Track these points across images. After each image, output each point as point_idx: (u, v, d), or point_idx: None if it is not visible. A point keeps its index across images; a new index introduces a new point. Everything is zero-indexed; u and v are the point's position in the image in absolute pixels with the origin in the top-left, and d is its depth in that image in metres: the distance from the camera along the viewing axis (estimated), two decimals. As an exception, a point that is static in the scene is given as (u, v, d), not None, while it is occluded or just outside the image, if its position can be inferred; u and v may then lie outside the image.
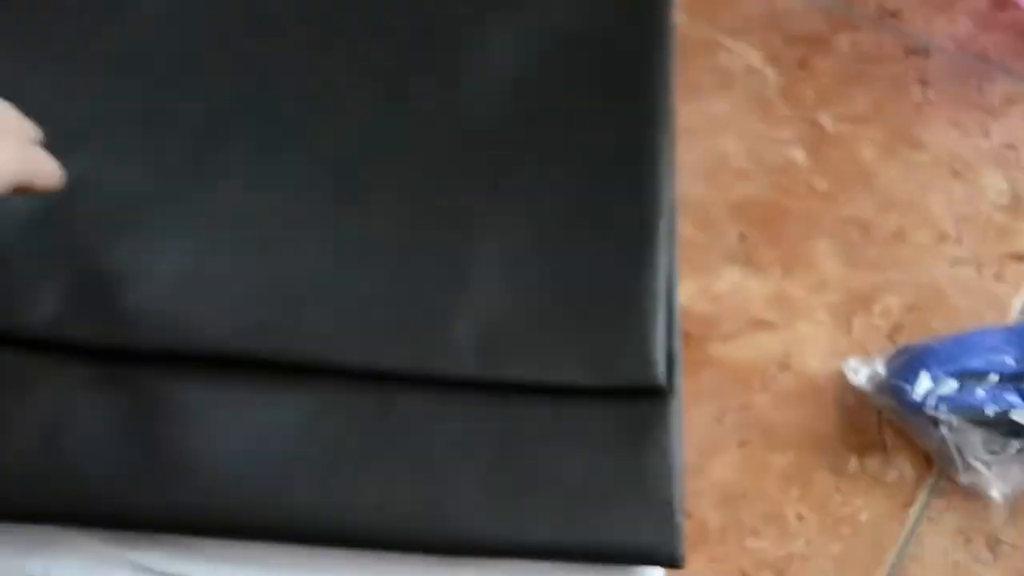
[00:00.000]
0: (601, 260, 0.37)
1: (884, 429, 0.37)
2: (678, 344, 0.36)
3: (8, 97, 0.40)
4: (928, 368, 0.35)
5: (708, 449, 0.37)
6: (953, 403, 0.35)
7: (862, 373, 0.37)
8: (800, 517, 0.36)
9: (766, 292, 0.40)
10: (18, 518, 0.34)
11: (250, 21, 0.44)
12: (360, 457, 0.34)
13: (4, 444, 0.34)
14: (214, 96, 0.42)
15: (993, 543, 0.36)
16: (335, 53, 0.43)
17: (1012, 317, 0.39)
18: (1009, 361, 0.36)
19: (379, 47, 0.44)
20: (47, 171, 0.34)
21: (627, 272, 0.37)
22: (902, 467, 0.37)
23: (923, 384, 0.35)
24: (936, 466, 0.36)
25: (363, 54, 0.43)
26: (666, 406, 0.35)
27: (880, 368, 0.37)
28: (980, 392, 0.36)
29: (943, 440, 0.36)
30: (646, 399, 0.35)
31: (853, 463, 0.36)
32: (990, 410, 0.35)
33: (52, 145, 0.36)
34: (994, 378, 0.36)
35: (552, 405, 0.35)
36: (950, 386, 0.35)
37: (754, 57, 0.46)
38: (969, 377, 0.36)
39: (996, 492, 0.36)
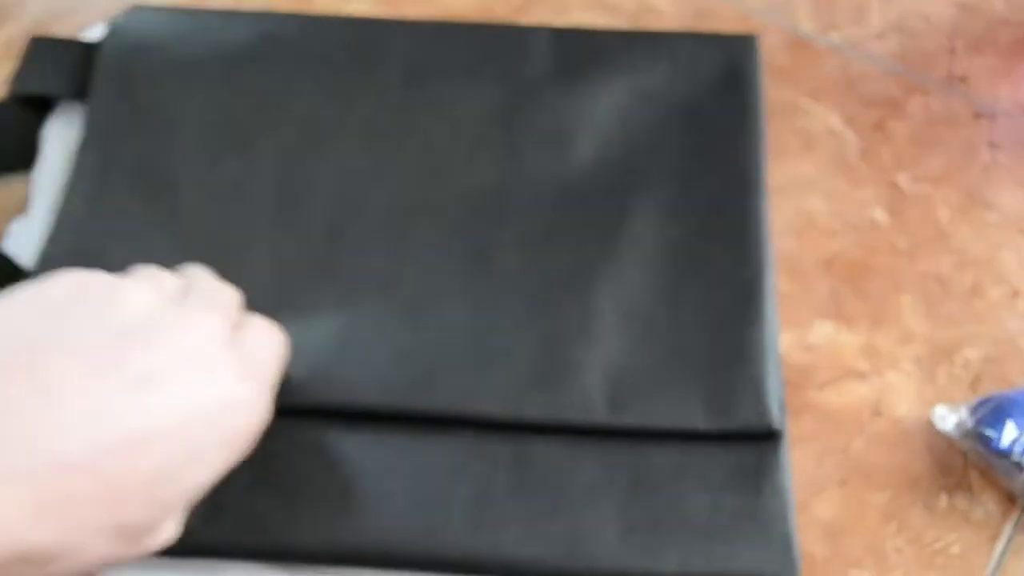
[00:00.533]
0: (713, 313, 0.41)
1: (970, 471, 0.41)
2: (783, 391, 0.40)
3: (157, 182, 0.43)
4: (1013, 418, 0.39)
5: (811, 488, 0.40)
6: (1036, 450, 0.39)
7: (949, 420, 0.41)
8: (898, 550, 0.39)
9: (857, 344, 0.44)
10: (197, 552, 0.38)
11: (371, 92, 0.48)
12: (503, 497, 0.38)
13: None
14: (344, 167, 0.46)
15: (1069, 574, 0.40)
16: (450, 125, 0.47)
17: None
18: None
19: (491, 113, 0.47)
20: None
21: (739, 324, 0.41)
22: (987, 505, 0.40)
23: (1009, 433, 0.39)
24: (1019, 504, 0.40)
25: (476, 122, 0.47)
26: (779, 448, 0.39)
27: (965, 416, 0.41)
28: (1059, 439, 0.40)
29: (1025, 482, 0.40)
30: (762, 441, 0.39)
31: (944, 501, 0.40)
32: (1069, 456, 0.39)
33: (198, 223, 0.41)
34: (1070, 426, 0.40)
35: (675, 448, 0.39)
36: (1032, 434, 0.39)
37: (834, 120, 0.50)
38: (1049, 426, 0.40)
39: (1072, 529, 0.40)
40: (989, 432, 0.39)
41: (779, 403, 0.40)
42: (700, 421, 0.39)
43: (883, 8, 0.55)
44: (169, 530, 0.34)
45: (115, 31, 0.50)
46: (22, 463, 0.28)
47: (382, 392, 0.40)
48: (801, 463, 0.41)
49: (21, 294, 0.32)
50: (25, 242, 0.46)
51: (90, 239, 0.44)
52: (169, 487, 0.31)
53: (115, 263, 0.38)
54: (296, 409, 0.39)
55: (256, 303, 0.39)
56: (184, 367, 0.32)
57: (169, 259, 0.40)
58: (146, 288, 0.34)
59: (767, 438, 0.39)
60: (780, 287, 0.45)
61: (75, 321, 0.31)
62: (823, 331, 0.44)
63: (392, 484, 0.39)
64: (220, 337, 0.34)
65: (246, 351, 0.35)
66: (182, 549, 0.37)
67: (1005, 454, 0.39)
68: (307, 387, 0.40)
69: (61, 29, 0.55)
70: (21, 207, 0.48)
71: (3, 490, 0.27)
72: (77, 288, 0.33)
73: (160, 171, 0.46)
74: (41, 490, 0.28)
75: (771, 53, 0.53)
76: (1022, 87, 0.52)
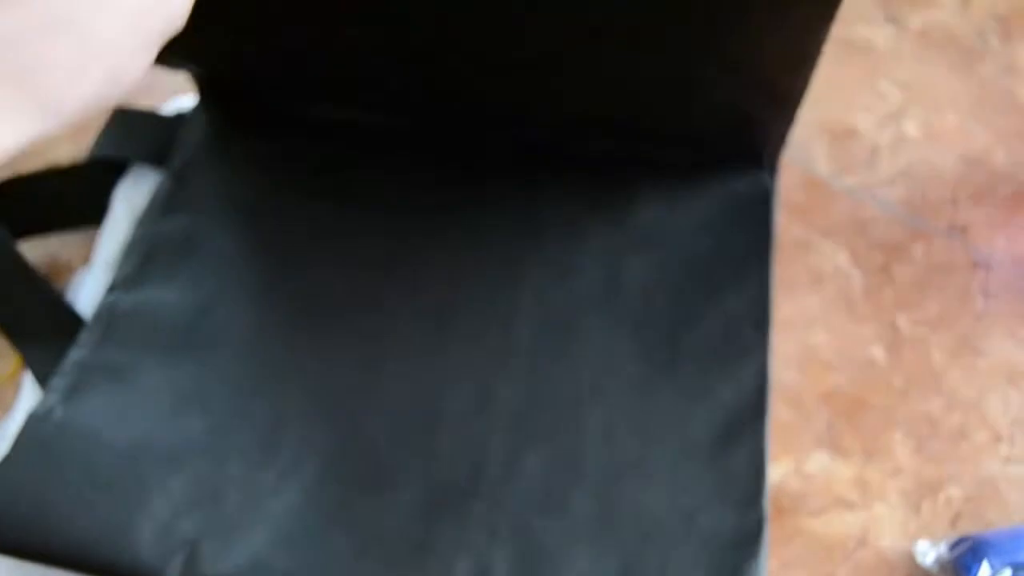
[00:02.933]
0: (715, 424, 0.45)
1: (945, 604, 0.45)
2: (767, 506, 0.43)
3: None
4: (988, 558, 0.43)
5: (798, 610, 0.44)
6: (1007, 590, 0.43)
7: (930, 556, 0.44)
8: (874, 676, 0.43)
9: (849, 475, 0.47)
10: None
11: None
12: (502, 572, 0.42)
13: None
14: (393, 285, 0.50)
15: None
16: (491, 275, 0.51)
17: (1055, 513, 0.47)
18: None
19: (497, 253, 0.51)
20: None
21: (735, 434, 0.45)
22: (959, 638, 0.44)
23: (984, 573, 0.42)
24: (988, 640, 0.44)
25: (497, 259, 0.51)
26: (759, 555, 0.42)
27: (944, 553, 0.44)
28: (1029, 582, 0.43)
29: (996, 619, 0.43)
30: (744, 547, 0.42)
31: (919, 632, 0.44)
32: (1037, 598, 0.43)
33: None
34: (1040, 570, 0.43)
35: (666, 539, 0.43)
36: (1005, 575, 0.43)
37: (842, 259, 0.55)
38: (1021, 568, 0.43)
39: (1037, 666, 0.43)
40: (965, 572, 0.43)
41: (765, 514, 0.43)
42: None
43: (893, 156, 0.59)
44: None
45: (195, 114, 0.55)
46: None
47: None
48: (790, 585, 0.44)
49: None
50: (86, 293, 0.51)
51: (137, 301, 0.48)
52: None
53: (158, 324, 0.47)
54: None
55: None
56: None
57: (202, 323, 0.47)
58: None
59: (749, 543, 0.43)
60: (781, 416, 0.49)
61: None
62: (819, 460, 0.48)
63: (390, 546, 0.42)
64: None
65: None
66: None
67: (978, 592, 0.43)
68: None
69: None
70: (88, 259, 0.53)
71: None
72: None
73: (203, 249, 0.50)
74: None
75: (788, 191, 0.57)
76: (1017, 239, 0.56)
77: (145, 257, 0.51)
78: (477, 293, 0.49)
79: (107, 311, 0.49)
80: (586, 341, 0.48)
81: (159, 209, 0.52)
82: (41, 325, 0.49)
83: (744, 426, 0.45)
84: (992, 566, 0.43)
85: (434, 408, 0.46)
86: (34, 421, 0.45)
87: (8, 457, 0.44)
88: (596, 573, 0.42)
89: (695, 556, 0.43)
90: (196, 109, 0.56)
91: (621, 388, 0.47)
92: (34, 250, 0.55)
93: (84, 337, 0.48)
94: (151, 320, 0.48)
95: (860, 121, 0.61)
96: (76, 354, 0.47)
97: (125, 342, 0.48)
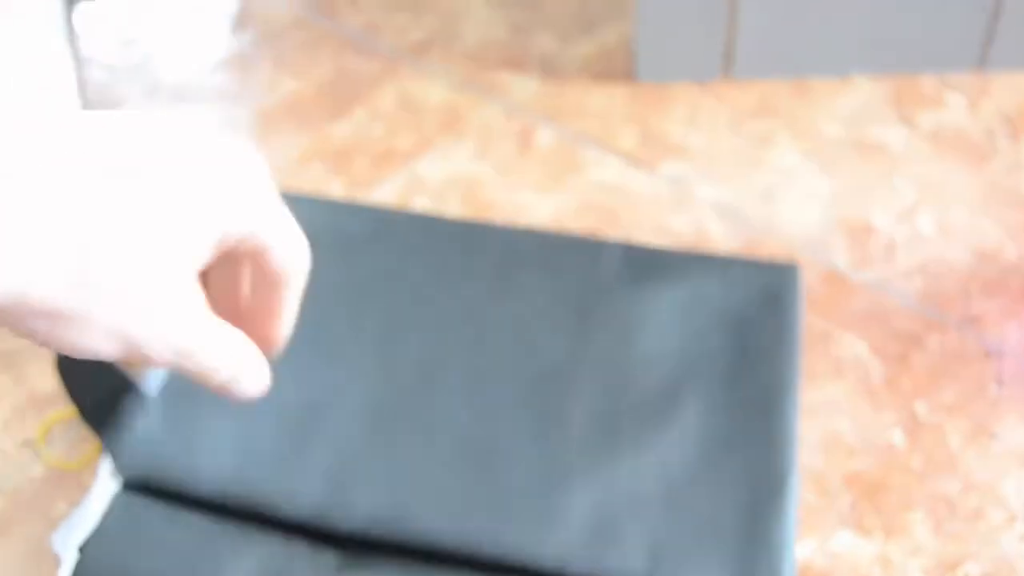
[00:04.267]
0: (744, 500, 0.49)
1: (965, 677, 0.47)
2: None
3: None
4: (1003, 633, 0.46)
5: None
6: (1022, 663, 0.45)
7: (949, 630, 0.47)
8: None
9: (872, 554, 0.50)
10: None
11: (466, 277, 0.57)
12: None
13: None
14: (439, 333, 0.55)
15: None
16: (532, 309, 0.57)
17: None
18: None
19: (567, 303, 0.57)
20: (288, 240, 0.34)
21: (766, 514, 0.48)
22: None
23: (999, 647, 0.45)
24: None
25: (554, 309, 0.57)
26: None
27: (964, 627, 0.47)
28: (1043, 655, 0.46)
29: None
30: None
31: None
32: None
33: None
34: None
35: None
36: (1020, 649, 0.46)
37: (861, 349, 0.58)
38: (1035, 643, 0.46)
39: None
40: (982, 645, 0.46)
41: None
42: None
43: (909, 251, 0.63)
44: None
45: None
46: None
47: (454, 535, 0.47)
48: (818, 658, 0.47)
49: None
50: (157, 377, 0.55)
51: None
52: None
53: (224, 406, 0.51)
54: (376, 543, 0.47)
55: (351, 439, 0.50)
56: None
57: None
58: None
59: None
60: (807, 499, 0.52)
61: None
62: (843, 540, 0.51)
63: None
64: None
65: None
66: None
67: (995, 665, 0.45)
68: (386, 524, 0.47)
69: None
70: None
71: None
72: None
73: None
74: None
75: (809, 284, 0.61)
76: (1029, 330, 0.59)
77: None
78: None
79: (177, 394, 0.53)
80: (634, 394, 0.52)
81: None
82: (117, 411, 0.53)
83: (773, 508, 0.49)
84: (1008, 640, 0.46)
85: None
86: (116, 503, 0.49)
87: (93, 538, 0.48)
88: None
89: None
90: None
91: (666, 445, 0.51)
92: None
93: (157, 421, 0.52)
94: (219, 403, 0.52)
95: (877, 218, 0.65)
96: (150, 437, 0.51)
97: (196, 425, 0.52)
